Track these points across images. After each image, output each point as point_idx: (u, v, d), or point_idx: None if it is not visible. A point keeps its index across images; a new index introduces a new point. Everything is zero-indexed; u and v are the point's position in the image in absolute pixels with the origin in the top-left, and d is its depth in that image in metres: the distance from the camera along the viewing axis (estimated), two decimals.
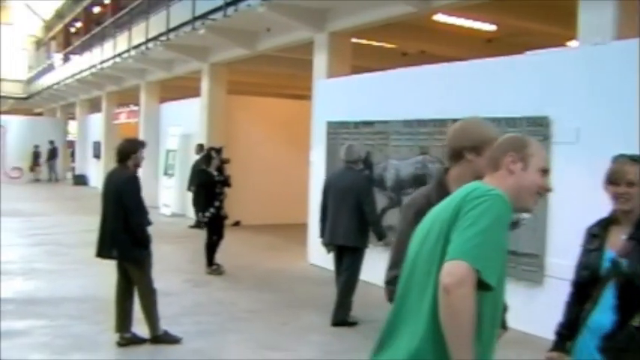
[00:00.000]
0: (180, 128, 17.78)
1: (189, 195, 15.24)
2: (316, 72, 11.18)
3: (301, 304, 8.20)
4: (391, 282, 2.84)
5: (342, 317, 7.10)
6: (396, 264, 2.84)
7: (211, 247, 9.88)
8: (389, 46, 14.10)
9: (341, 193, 6.98)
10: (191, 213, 15.13)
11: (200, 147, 15.23)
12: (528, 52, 7.49)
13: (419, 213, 2.62)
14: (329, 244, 7.16)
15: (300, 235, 13.64)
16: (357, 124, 9.64)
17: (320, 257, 10.63)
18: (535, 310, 6.92)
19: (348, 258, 7.06)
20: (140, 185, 5.98)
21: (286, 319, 7.39)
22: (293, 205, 15.65)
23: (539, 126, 6.98)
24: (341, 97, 10.24)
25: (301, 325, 7.25)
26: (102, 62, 20.88)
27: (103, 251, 5.99)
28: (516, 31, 12.29)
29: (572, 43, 11.71)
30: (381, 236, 7.15)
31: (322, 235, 7.23)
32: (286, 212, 15.68)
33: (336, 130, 10.05)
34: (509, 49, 8.83)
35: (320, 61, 11.09)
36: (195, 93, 17.39)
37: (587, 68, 6.70)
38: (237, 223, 14.73)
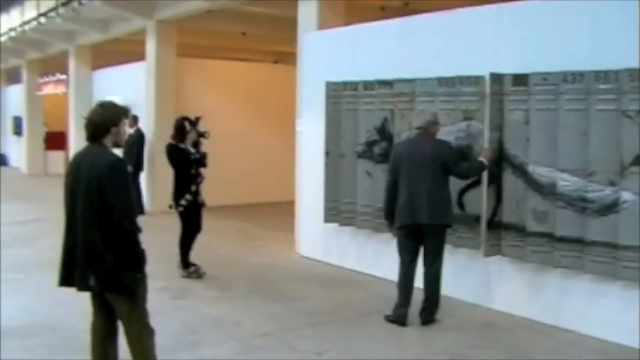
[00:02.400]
0: (118, 98, 15.39)
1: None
2: (303, 24, 9.14)
3: (324, 318, 6.27)
4: None
5: (432, 314, 5.99)
6: None
7: (187, 244, 7.85)
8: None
9: (422, 165, 5.80)
10: None
11: (134, 119, 12.91)
12: None
13: None
14: (410, 225, 5.85)
15: (273, 219, 11.79)
16: (367, 85, 7.72)
17: (312, 248, 8.79)
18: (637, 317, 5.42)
19: (434, 240, 5.90)
20: (128, 173, 3.93)
21: (318, 345, 5.47)
22: (256, 182, 13.78)
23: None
24: (343, 52, 8.28)
25: (342, 353, 5.37)
26: (22, 24, 18.09)
27: (70, 278, 3.85)
28: None
29: None
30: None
31: (389, 217, 6.09)
32: (247, 190, 13.73)
33: (339, 92, 8.09)
34: None
35: (308, 10, 9.03)
36: (133, 58, 15.08)
37: None
38: None
